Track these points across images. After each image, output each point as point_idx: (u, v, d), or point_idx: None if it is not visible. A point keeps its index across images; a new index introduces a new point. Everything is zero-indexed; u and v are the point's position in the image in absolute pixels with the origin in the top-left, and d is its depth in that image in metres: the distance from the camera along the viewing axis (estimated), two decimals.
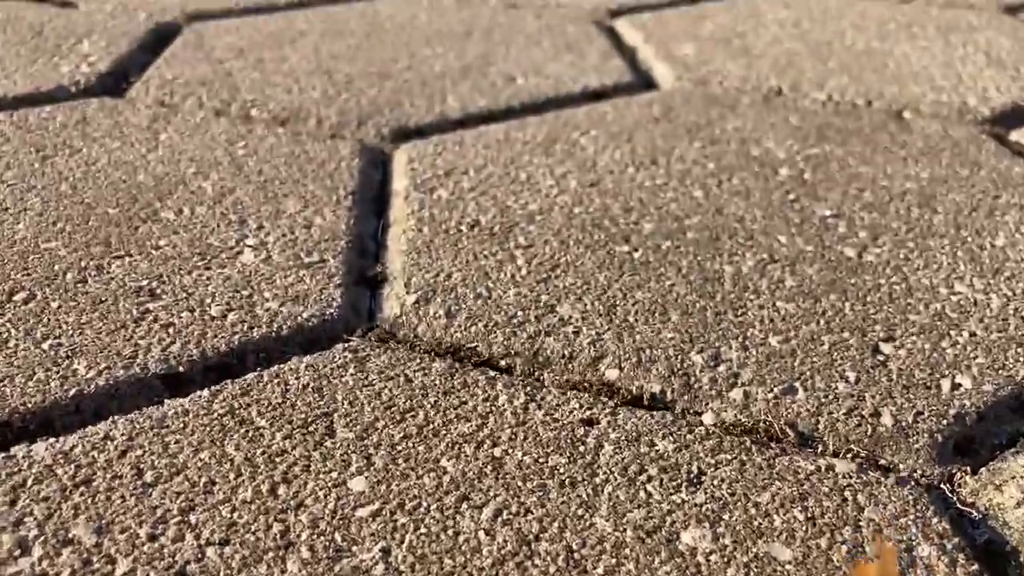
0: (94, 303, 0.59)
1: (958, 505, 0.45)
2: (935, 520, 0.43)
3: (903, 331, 0.57)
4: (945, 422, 0.50)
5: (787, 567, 0.40)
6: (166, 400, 0.52)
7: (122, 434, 0.48)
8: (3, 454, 0.47)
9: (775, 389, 0.52)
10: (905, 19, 1.29)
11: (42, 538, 0.42)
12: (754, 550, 0.41)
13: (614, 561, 0.41)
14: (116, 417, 0.50)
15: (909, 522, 0.43)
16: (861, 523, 0.43)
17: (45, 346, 0.55)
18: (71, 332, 0.56)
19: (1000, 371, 0.54)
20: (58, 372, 0.53)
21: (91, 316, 0.58)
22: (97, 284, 0.61)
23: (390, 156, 0.83)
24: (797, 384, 0.52)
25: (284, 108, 0.92)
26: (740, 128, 0.88)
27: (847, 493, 0.45)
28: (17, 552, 0.41)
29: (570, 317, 0.58)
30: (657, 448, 0.47)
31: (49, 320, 0.58)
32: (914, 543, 0.42)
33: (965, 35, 1.20)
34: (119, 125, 0.87)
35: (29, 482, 0.45)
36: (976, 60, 1.10)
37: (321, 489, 0.44)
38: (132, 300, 0.60)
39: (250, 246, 0.66)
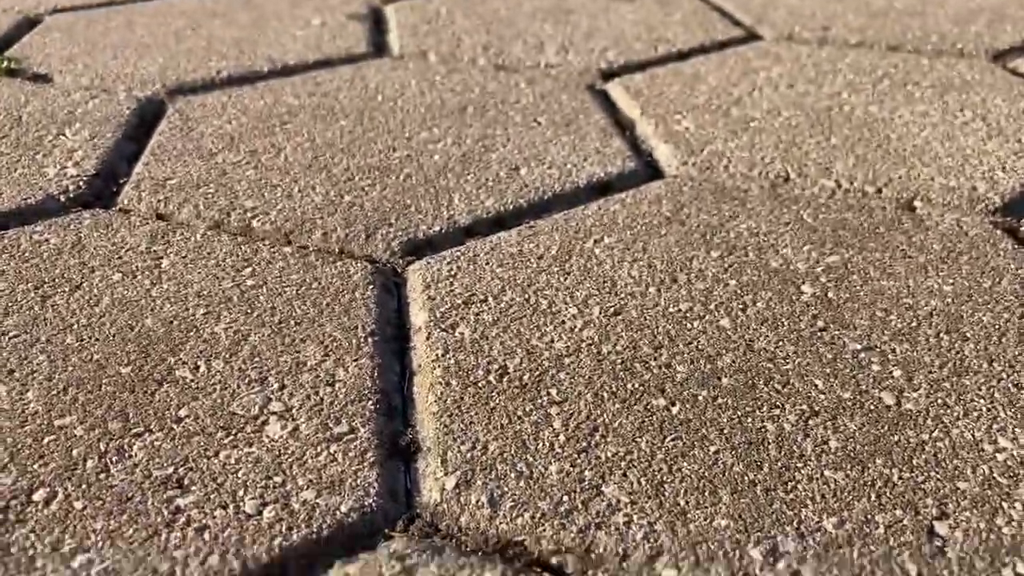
0: (120, 502, 0.57)
1: None
2: None
3: (955, 504, 0.57)
4: None
5: None
6: None
7: None
8: None
9: None
10: (899, 74, 1.29)
11: None
12: None
13: None
14: None
15: None
16: None
17: (75, 565, 0.53)
18: (100, 544, 0.54)
19: None
20: None
21: (120, 520, 0.55)
22: (121, 474, 0.59)
23: (404, 278, 0.81)
24: None
25: (287, 218, 0.89)
26: (754, 231, 0.87)
27: None
28: None
29: (618, 501, 0.57)
30: None
31: (76, 528, 0.55)
32: None
33: (961, 95, 1.20)
34: (117, 249, 0.84)
35: None
36: (977, 129, 1.09)
37: None
38: (160, 495, 0.57)
39: (275, 413, 0.64)
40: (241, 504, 0.57)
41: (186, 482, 0.58)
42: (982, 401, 0.65)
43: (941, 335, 0.72)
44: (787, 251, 0.84)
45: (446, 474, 0.59)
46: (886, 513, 0.56)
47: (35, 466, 0.60)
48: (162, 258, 0.83)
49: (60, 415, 0.64)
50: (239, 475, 0.59)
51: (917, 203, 0.93)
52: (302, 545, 0.54)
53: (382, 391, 0.67)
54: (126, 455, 0.60)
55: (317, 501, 0.57)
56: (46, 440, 0.62)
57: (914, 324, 0.74)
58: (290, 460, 0.60)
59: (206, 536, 0.55)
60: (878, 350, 0.70)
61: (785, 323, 0.74)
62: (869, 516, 0.56)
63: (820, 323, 0.74)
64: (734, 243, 0.85)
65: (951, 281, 0.79)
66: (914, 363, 0.69)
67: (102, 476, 0.59)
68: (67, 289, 0.78)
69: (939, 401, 0.65)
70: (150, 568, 0.52)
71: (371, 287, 0.78)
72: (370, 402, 0.65)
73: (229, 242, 0.85)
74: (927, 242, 0.86)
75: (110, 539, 0.54)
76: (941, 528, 0.55)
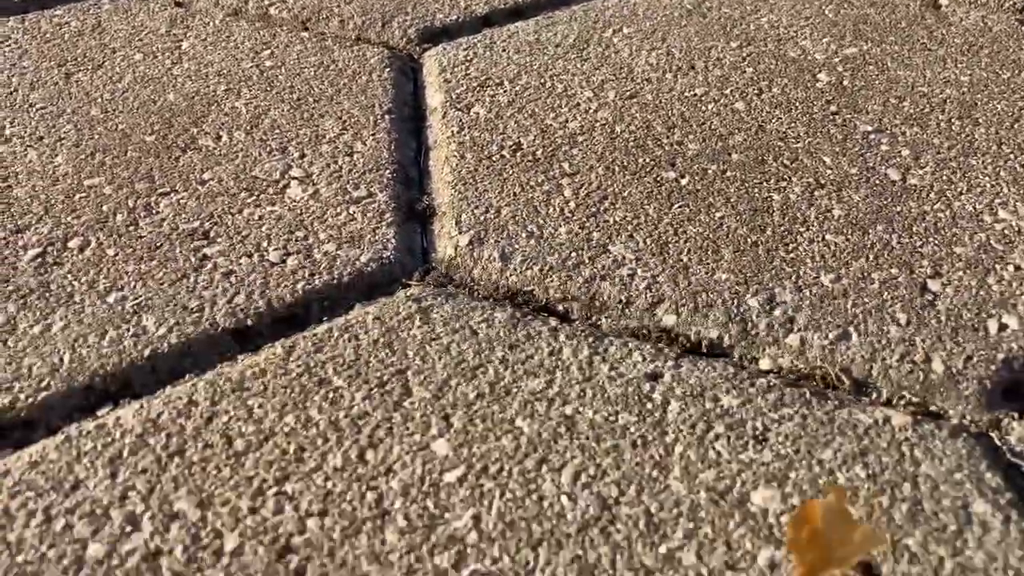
0: (150, 249, 0.60)
1: (1008, 457, 0.47)
2: (988, 475, 0.46)
3: (949, 266, 0.59)
4: (993, 367, 0.52)
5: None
6: (239, 357, 0.53)
7: (205, 399, 0.50)
8: (93, 422, 0.49)
9: (830, 335, 0.54)
10: None
11: (149, 513, 0.44)
12: None
13: (692, 525, 0.43)
14: (195, 379, 0.51)
15: (963, 477, 0.46)
16: (919, 479, 0.45)
17: (111, 300, 0.56)
18: (133, 284, 0.57)
19: None
20: (129, 330, 0.54)
21: (150, 265, 0.59)
22: (149, 227, 0.62)
23: (420, 64, 0.81)
24: (851, 328, 0.54)
25: (304, 6, 0.89)
26: (775, 23, 0.86)
27: (904, 448, 0.47)
28: (129, 528, 0.43)
29: (624, 257, 0.59)
30: (722, 404, 0.49)
31: (110, 271, 0.58)
32: (969, 499, 0.44)
33: None
34: (137, 32, 0.84)
35: (125, 453, 0.47)
36: None
37: (407, 454, 0.47)
38: (188, 245, 0.60)
39: (296, 178, 0.66)
40: (265, 254, 0.60)
41: (212, 234, 0.61)
42: (987, 179, 0.66)
43: (952, 120, 0.73)
44: (806, 43, 0.83)
45: (460, 233, 0.61)
46: (882, 271, 0.58)
47: (68, 218, 0.62)
48: (182, 41, 0.83)
49: (89, 176, 0.66)
50: (262, 229, 0.62)
51: (942, 0, 0.91)
52: (324, 289, 0.57)
53: (399, 163, 0.68)
54: (154, 211, 0.63)
55: (338, 253, 0.60)
56: (77, 197, 0.64)
57: (927, 110, 0.74)
58: (311, 218, 0.63)
59: (232, 280, 0.58)
60: (888, 132, 0.71)
61: (798, 107, 0.74)
62: (865, 274, 0.58)
63: (833, 107, 0.74)
64: (754, 34, 0.84)
65: (969, 72, 0.79)
66: (923, 144, 0.70)
67: (131, 228, 0.62)
68: (89, 67, 0.79)
69: (944, 178, 0.66)
70: (180, 304, 0.56)
71: (388, 70, 0.79)
72: (387, 171, 0.67)
73: (247, 27, 0.86)
74: (948, 36, 0.84)
75: (142, 280, 0.58)
76: (934, 285, 0.57)
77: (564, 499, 0.45)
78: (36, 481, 0.45)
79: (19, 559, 0.42)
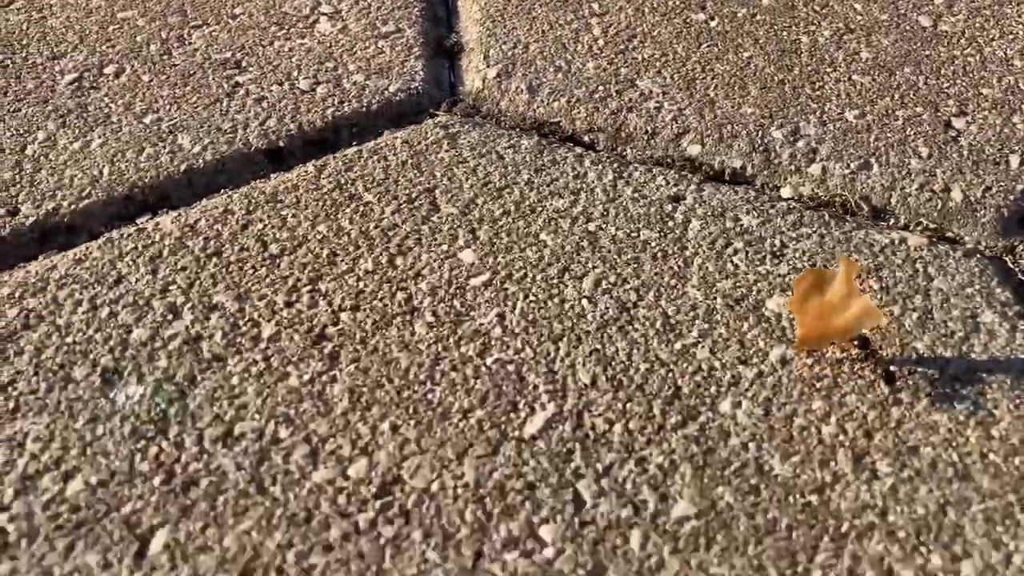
0: (184, 77, 0.61)
1: (1019, 275, 0.49)
2: (998, 290, 0.47)
3: (975, 105, 0.59)
4: (1012, 197, 0.53)
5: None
6: (272, 175, 0.55)
7: (240, 208, 0.52)
8: (133, 227, 0.51)
9: (851, 165, 0.54)
10: None
11: (189, 304, 0.46)
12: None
13: (707, 326, 0.45)
14: (230, 192, 0.53)
15: (974, 291, 0.47)
16: (931, 292, 0.47)
17: (147, 121, 0.57)
18: (168, 107, 0.58)
19: None
20: (165, 148, 0.55)
21: (184, 90, 0.60)
22: (182, 56, 0.63)
23: None
24: (872, 159, 0.55)
25: None
26: None
27: (918, 265, 0.48)
28: (170, 316, 0.46)
29: (651, 92, 0.60)
30: (741, 223, 0.51)
31: (145, 95, 0.59)
32: (978, 311, 0.46)
33: None
34: None
35: (165, 253, 0.49)
36: None
37: (435, 260, 0.48)
38: (220, 73, 0.61)
39: (325, 14, 0.67)
40: (296, 82, 0.61)
41: (244, 64, 0.62)
42: (1020, 27, 0.66)
43: None
44: None
45: (488, 67, 0.62)
46: (907, 110, 0.58)
47: (103, 47, 0.63)
48: None
49: (122, 9, 0.67)
50: (293, 60, 0.62)
51: None
52: (353, 115, 0.58)
53: (427, 1, 0.69)
54: (186, 42, 0.64)
55: (367, 83, 0.61)
56: (111, 28, 0.65)
57: None
58: (340, 50, 0.63)
59: (264, 105, 0.59)
60: None
61: None
62: (890, 111, 0.58)
63: None
64: None
65: None
66: None
67: (165, 57, 0.63)
68: None
69: (976, 24, 0.66)
70: (213, 126, 0.57)
71: None
72: (415, 9, 0.67)
73: None
74: None
75: (176, 104, 0.59)
76: (958, 123, 0.58)
77: (585, 302, 0.46)
78: (81, 275, 0.48)
79: (68, 340, 0.44)
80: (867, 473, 0.39)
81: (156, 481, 0.39)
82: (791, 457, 0.39)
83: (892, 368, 0.42)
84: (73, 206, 0.52)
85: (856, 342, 0.43)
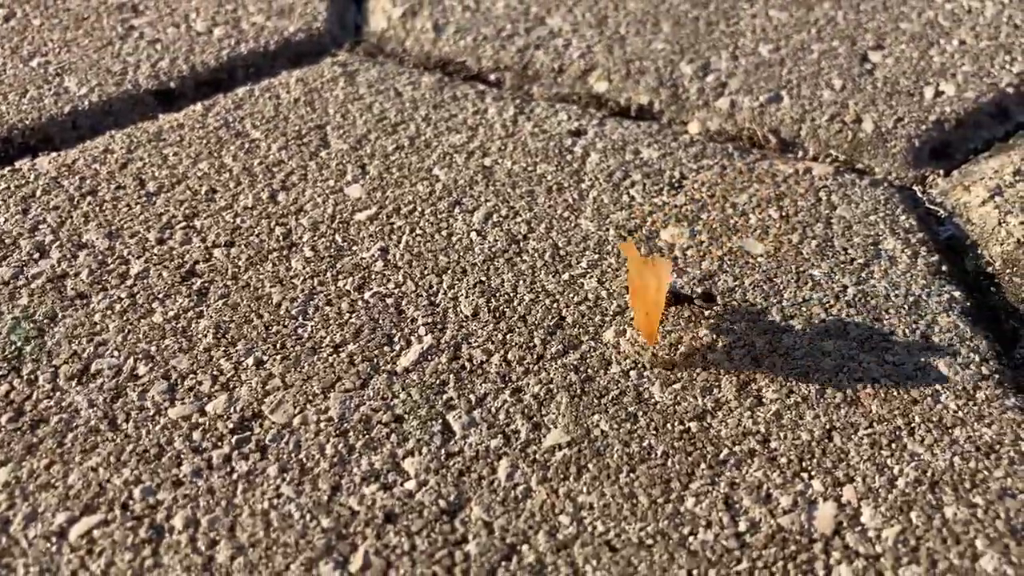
0: (77, 20, 0.58)
1: (927, 205, 0.47)
2: (903, 217, 0.45)
3: (893, 39, 0.57)
4: (924, 128, 0.51)
5: (759, 259, 0.43)
6: (160, 115, 0.52)
7: (121, 147, 0.49)
8: (8, 168, 0.49)
9: (761, 98, 0.53)
10: None
11: (58, 243, 0.44)
12: (728, 245, 0.44)
13: (596, 256, 0.43)
14: (113, 132, 0.51)
15: (878, 219, 0.45)
16: (832, 220, 0.45)
17: (34, 64, 0.55)
18: (58, 50, 0.56)
19: (984, 78, 0.54)
20: (50, 90, 0.53)
21: (76, 33, 0.57)
22: (78, 1, 0.60)
23: None
24: (783, 92, 0.53)
25: None
26: None
27: (822, 194, 0.47)
28: (36, 255, 0.43)
29: (560, 29, 0.58)
30: (642, 156, 0.49)
31: (34, 38, 0.57)
32: (880, 238, 0.44)
33: None
34: None
35: (38, 192, 0.47)
36: None
37: (319, 196, 0.46)
38: (115, 16, 0.59)
39: None
40: (192, 24, 0.58)
41: (140, 8, 0.60)
42: None
43: None
44: None
45: (394, 6, 0.60)
46: (823, 43, 0.57)
47: None
48: None
49: None
50: (192, 3, 0.60)
51: None
52: (249, 56, 0.56)
53: None
54: None
55: (266, 23, 0.58)
56: None
57: None
58: None
59: (157, 47, 0.56)
60: None
61: None
62: (805, 45, 0.57)
63: None
64: None
65: None
66: None
67: (59, 2, 0.60)
68: None
69: None
70: (103, 68, 0.55)
71: None
72: None
73: None
74: None
75: (66, 47, 0.56)
76: (874, 56, 0.56)
77: (473, 235, 0.44)
78: None
79: None
80: (751, 400, 0.37)
81: (3, 419, 0.37)
82: (672, 384, 0.38)
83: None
84: None
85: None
